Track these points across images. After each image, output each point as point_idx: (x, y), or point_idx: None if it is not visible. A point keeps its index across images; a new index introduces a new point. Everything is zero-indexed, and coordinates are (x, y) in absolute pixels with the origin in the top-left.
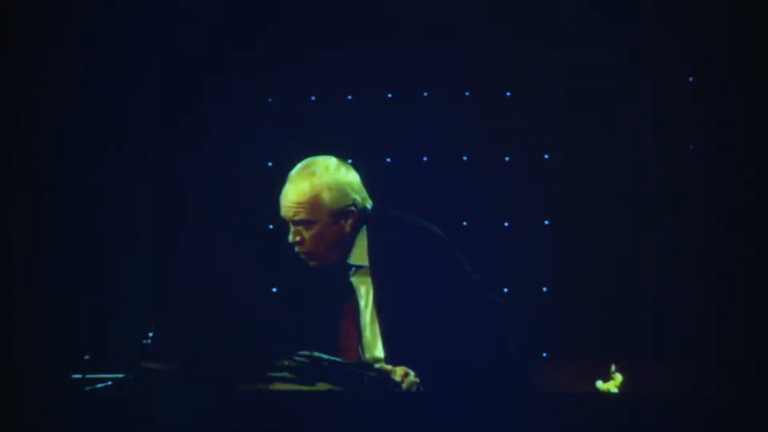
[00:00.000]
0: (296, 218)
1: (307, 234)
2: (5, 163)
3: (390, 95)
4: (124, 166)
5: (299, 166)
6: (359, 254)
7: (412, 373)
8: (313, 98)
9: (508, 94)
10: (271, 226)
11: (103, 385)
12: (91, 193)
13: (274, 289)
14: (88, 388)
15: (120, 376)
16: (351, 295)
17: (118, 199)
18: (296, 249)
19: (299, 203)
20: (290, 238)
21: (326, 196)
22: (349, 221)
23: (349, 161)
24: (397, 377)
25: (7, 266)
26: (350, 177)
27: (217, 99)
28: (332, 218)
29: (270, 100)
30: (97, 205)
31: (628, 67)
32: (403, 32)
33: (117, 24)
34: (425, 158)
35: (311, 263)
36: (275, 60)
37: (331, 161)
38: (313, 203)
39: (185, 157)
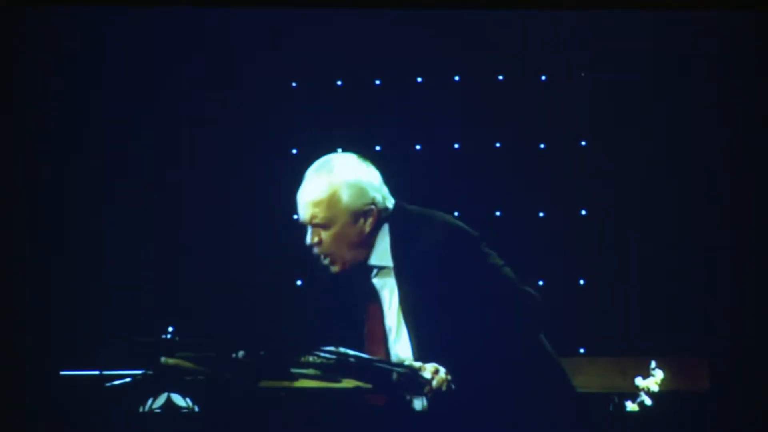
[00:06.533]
0: (314, 218)
1: (325, 234)
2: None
3: (419, 79)
4: (145, 155)
5: (316, 164)
6: (381, 255)
7: (442, 369)
8: (339, 83)
9: (543, 77)
10: (295, 216)
11: (121, 381)
12: (110, 185)
13: (299, 282)
14: (107, 385)
15: (139, 372)
16: (374, 297)
17: (138, 191)
18: (315, 251)
19: (316, 202)
20: (308, 239)
21: (344, 195)
22: (369, 220)
23: (377, 148)
24: (428, 374)
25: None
26: (369, 175)
27: (241, 85)
28: (351, 218)
29: (294, 85)
30: (117, 196)
31: (667, 55)
32: (432, 14)
33: (139, 15)
34: (456, 145)
35: (332, 269)
36: (300, 44)
37: (349, 159)
38: (331, 202)
39: (208, 145)
